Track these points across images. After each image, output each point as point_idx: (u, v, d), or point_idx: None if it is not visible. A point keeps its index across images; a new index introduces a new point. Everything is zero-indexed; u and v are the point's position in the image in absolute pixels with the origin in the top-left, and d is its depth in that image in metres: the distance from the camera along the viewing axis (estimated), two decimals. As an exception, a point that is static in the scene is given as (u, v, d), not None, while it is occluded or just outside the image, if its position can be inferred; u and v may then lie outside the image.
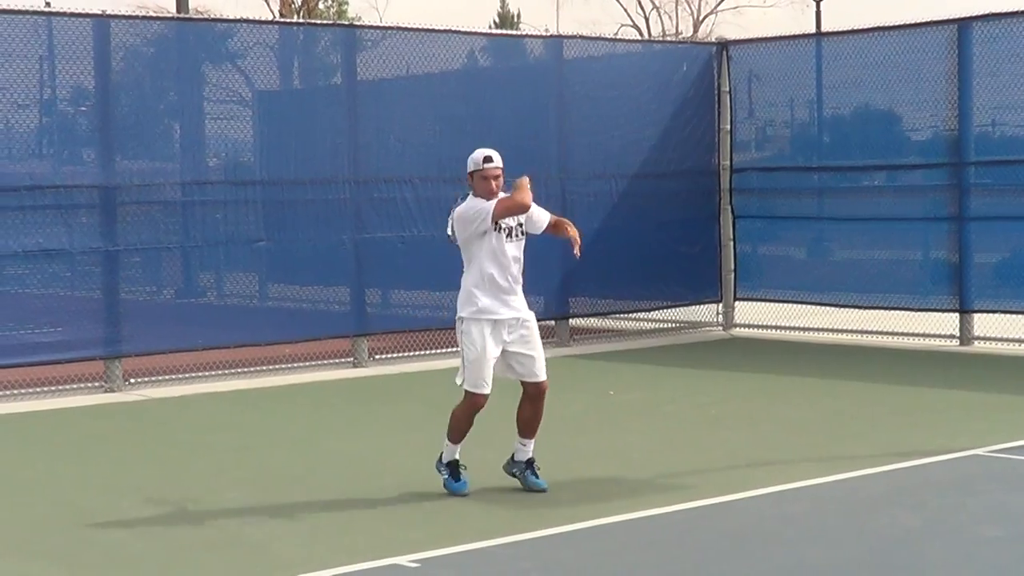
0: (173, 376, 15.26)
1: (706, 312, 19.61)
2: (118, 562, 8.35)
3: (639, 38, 21.89)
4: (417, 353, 16.96)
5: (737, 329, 19.49)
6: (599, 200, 18.50)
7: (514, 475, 9.99)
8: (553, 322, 18.24)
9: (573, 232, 9.81)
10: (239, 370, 15.62)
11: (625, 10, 67.23)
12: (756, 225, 19.46)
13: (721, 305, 19.57)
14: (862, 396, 14.14)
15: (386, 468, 10.84)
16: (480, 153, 9.75)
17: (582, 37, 19.06)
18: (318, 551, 8.41)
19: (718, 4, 53.75)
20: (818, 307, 18.87)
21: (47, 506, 9.82)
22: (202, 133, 16.50)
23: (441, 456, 9.87)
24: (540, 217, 9.97)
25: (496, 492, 9.94)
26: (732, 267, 19.46)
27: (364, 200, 16.55)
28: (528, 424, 9.93)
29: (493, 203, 9.61)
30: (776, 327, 19.04)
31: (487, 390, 9.70)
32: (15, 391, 14.37)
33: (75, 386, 14.70)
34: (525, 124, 17.93)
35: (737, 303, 19.61)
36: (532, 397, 9.90)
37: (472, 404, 9.72)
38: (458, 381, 9.82)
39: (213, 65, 16.51)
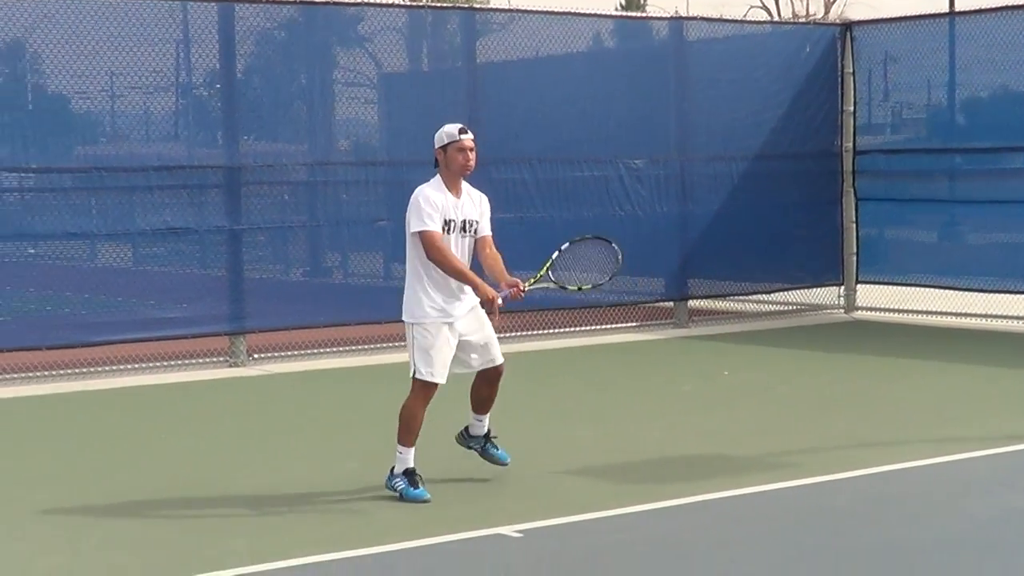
0: (296, 352, 15.57)
1: (827, 295, 19.57)
2: (229, 527, 8.64)
3: (761, 19, 21.78)
4: (537, 332, 17.11)
5: (859, 312, 19.43)
6: (719, 181, 18.53)
7: (470, 448, 9.78)
8: (672, 303, 18.33)
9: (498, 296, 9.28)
10: (361, 347, 15.88)
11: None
12: (879, 207, 19.37)
13: (843, 288, 19.52)
14: (981, 379, 14.11)
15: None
16: (453, 126, 9.30)
17: (704, 19, 19.11)
18: (423, 521, 8.63)
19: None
20: (943, 291, 18.74)
21: (168, 474, 10.15)
22: (328, 115, 16.82)
23: (392, 469, 9.28)
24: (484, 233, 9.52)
25: (600, 468, 10.10)
26: (854, 250, 19.40)
27: (483, 181, 16.72)
28: (485, 402, 9.67)
29: (431, 226, 9.20)
30: (899, 310, 18.95)
31: (442, 380, 9.29)
32: (144, 364, 14.74)
33: (201, 360, 15.06)
34: (646, 106, 18.03)
35: (859, 286, 19.54)
36: (490, 379, 9.59)
37: (423, 395, 9.28)
38: (410, 373, 9.36)
39: (341, 49, 16.82)
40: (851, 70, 19.29)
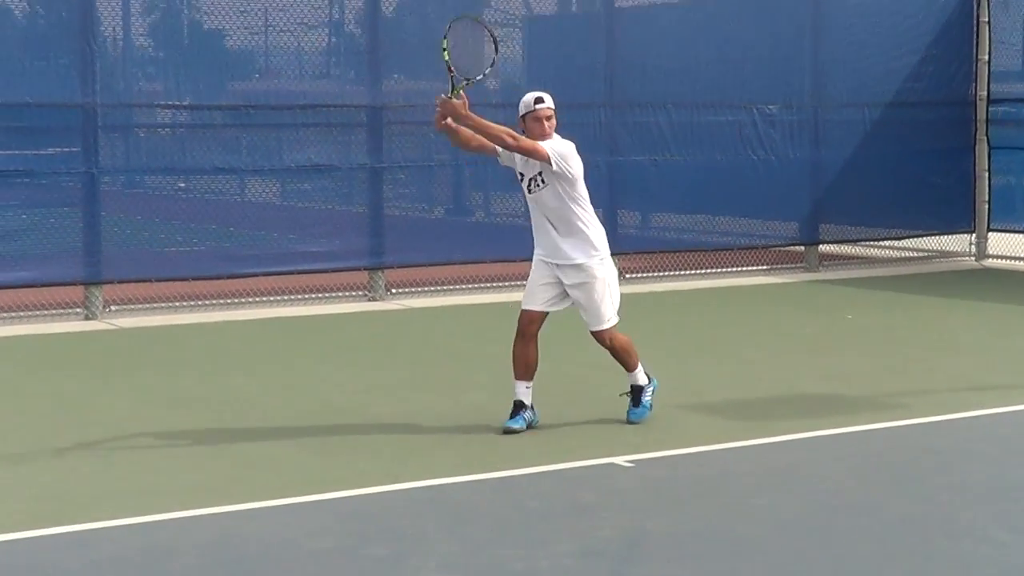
0: (433, 288, 16.09)
1: (959, 242, 19.72)
2: (359, 449, 9.20)
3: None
4: (669, 273, 17.47)
5: (990, 260, 19.56)
6: (852, 128, 18.74)
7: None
8: (803, 247, 18.61)
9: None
10: (497, 284, 16.33)
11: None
12: (1012, 156, 19.46)
13: (974, 236, 19.65)
14: (1102, 328, 14.30)
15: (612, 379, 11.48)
16: (531, 95, 9.53)
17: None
18: (542, 450, 9.12)
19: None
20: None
21: (305, 400, 10.75)
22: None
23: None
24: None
25: (716, 403, 10.52)
26: (986, 198, 19.52)
27: (620, 124, 17.15)
28: (618, 360, 9.93)
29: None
30: (1030, 259, 19.12)
31: (532, 307, 9.70)
32: (288, 296, 15.34)
33: (341, 294, 15.65)
34: (780, 51, 18.27)
35: (991, 234, 19.66)
36: (600, 343, 9.87)
37: (519, 325, 9.72)
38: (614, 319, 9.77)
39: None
40: (986, 19, 19.35)
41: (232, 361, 12.62)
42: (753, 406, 10.49)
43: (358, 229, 15.89)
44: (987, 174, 19.51)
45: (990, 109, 19.42)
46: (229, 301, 15.05)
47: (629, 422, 9.81)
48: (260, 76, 16.29)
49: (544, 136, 9.45)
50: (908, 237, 19.69)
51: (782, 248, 18.70)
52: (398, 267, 15.96)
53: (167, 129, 16.03)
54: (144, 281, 14.87)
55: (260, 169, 15.65)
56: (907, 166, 19.12)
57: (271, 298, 15.23)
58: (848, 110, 18.73)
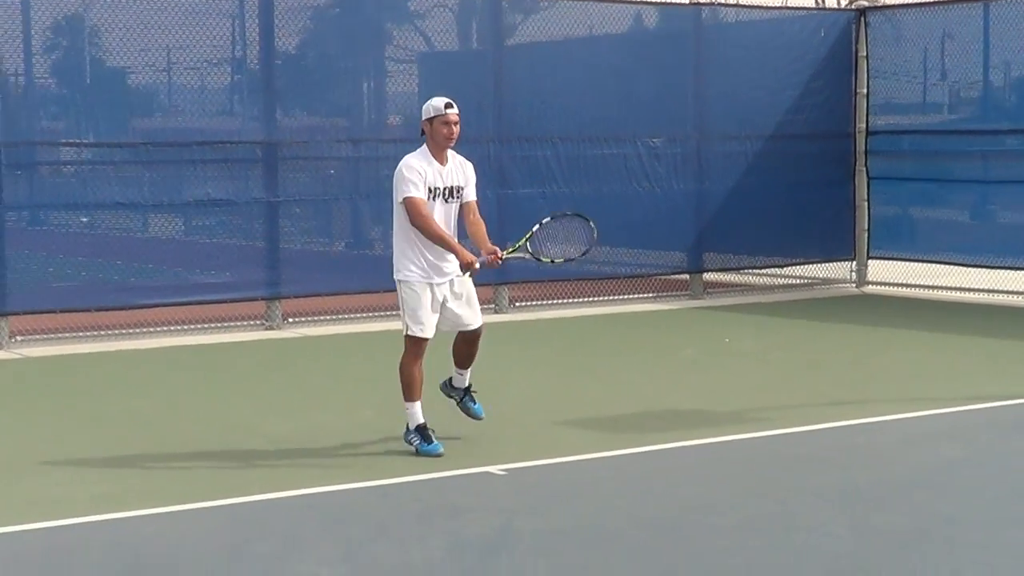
0: (327, 317, 16.63)
1: (840, 270, 20.48)
2: (253, 463, 9.75)
3: (778, 4, 22.72)
4: (557, 301, 18.09)
5: (870, 287, 20.34)
6: (735, 160, 19.48)
7: (450, 397, 10.48)
8: (687, 276, 19.32)
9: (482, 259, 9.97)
10: (378, 314, 16.82)
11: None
12: (891, 186, 20.27)
13: (854, 263, 20.43)
14: (970, 348, 15.05)
15: (503, 395, 12.08)
16: (440, 99, 9.89)
17: (722, 4, 20.05)
18: (424, 460, 9.70)
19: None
20: (951, 266, 19.60)
21: (204, 421, 11.28)
22: (359, 93, 17.88)
23: (407, 426, 10.02)
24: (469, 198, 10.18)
25: (591, 418, 11.14)
26: (866, 226, 20.31)
27: (508, 157, 17.78)
28: (465, 358, 10.33)
29: (415, 192, 9.79)
30: (908, 285, 19.83)
31: (430, 334, 9.98)
32: (188, 326, 15.80)
33: (239, 323, 16.15)
34: (664, 86, 18.96)
35: (871, 261, 20.45)
36: (468, 340, 10.25)
37: (415, 351, 9.95)
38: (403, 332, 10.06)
39: (375, 29, 17.82)
40: (864, 53, 20.20)
41: (134, 386, 13.10)
42: (625, 421, 11.12)
43: (255, 261, 16.40)
44: (866, 203, 20.30)
45: (868, 140, 20.24)
46: (132, 331, 15.52)
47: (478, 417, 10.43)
48: (162, 114, 16.82)
49: (450, 139, 9.88)
50: (790, 265, 20.46)
51: (667, 276, 19.40)
52: (293, 297, 16.49)
53: (70, 166, 16.47)
54: (49, 312, 15.33)
55: (160, 204, 16.16)
56: (789, 196, 19.87)
57: (172, 328, 15.72)
58: (731, 143, 19.48)
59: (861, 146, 20.30)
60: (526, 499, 8.88)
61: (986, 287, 18.99)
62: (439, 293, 10.03)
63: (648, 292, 18.99)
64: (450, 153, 10.06)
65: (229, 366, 14.26)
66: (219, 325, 16.02)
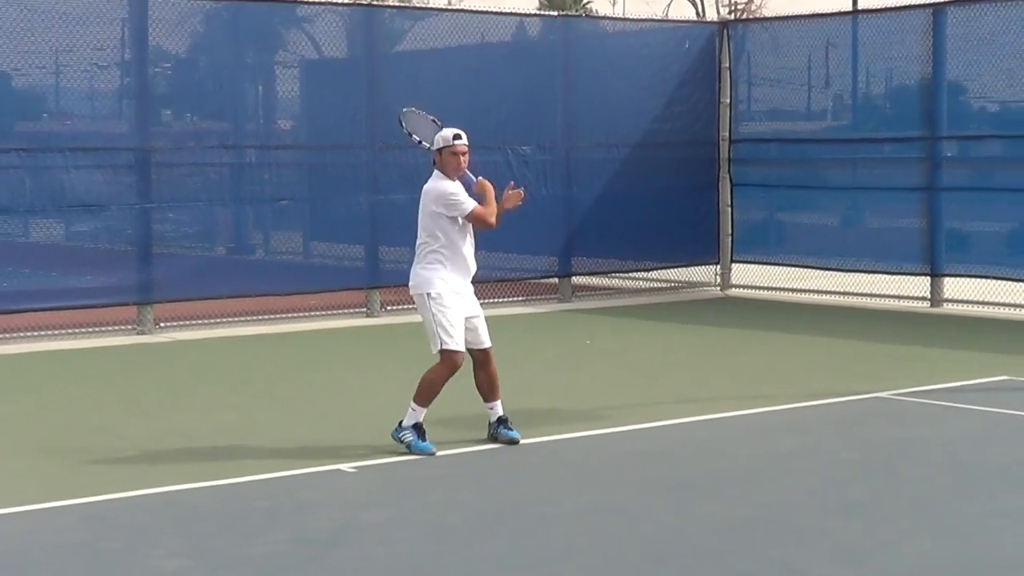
0: (202, 321, 16.95)
1: (705, 273, 21.08)
2: (109, 462, 10.07)
3: (645, 17, 23.37)
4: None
5: (733, 290, 20.93)
6: (602, 167, 20.01)
7: (495, 438, 10.64)
8: (556, 280, 19.79)
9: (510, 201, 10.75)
10: (252, 318, 17.24)
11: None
12: (753, 193, 20.88)
13: (719, 267, 21.02)
14: (816, 348, 15.66)
15: (366, 396, 12.47)
16: (449, 131, 10.44)
17: (589, 16, 20.58)
18: (277, 459, 10.08)
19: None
20: (811, 270, 20.28)
21: (65, 422, 11.58)
22: (242, 100, 18.18)
23: (401, 423, 10.35)
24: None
25: (443, 419, 11.53)
26: (729, 231, 20.90)
27: (381, 164, 18.15)
28: (488, 387, 10.63)
29: (470, 203, 10.38)
30: (770, 288, 20.44)
31: (462, 347, 10.38)
32: (58, 331, 16.03)
33: (111, 328, 16.37)
34: (533, 95, 19.45)
35: (734, 265, 21.06)
36: (481, 363, 10.59)
37: (451, 365, 10.32)
38: (434, 349, 10.39)
39: (264, 34, 18.18)
40: (727, 65, 20.79)
41: (1, 391, 13.32)
42: (473, 420, 11.48)
43: (127, 266, 16.64)
44: (730, 209, 20.90)
45: (732, 148, 20.84)
46: (2, 336, 15.71)
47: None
48: (48, 116, 17.02)
49: (459, 169, 10.41)
50: (657, 269, 21.05)
51: (537, 280, 19.87)
52: (165, 302, 16.75)
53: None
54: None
55: (32, 209, 16.34)
56: (655, 202, 20.42)
57: (41, 333, 15.96)
58: (599, 150, 20.00)
59: (725, 153, 20.89)
60: (372, 495, 9.28)
61: (842, 290, 19.65)
62: (463, 308, 10.45)
63: (518, 296, 19.45)
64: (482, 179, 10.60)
65: (95, 370, 14.51)
66: (92, 330, 16.24)
